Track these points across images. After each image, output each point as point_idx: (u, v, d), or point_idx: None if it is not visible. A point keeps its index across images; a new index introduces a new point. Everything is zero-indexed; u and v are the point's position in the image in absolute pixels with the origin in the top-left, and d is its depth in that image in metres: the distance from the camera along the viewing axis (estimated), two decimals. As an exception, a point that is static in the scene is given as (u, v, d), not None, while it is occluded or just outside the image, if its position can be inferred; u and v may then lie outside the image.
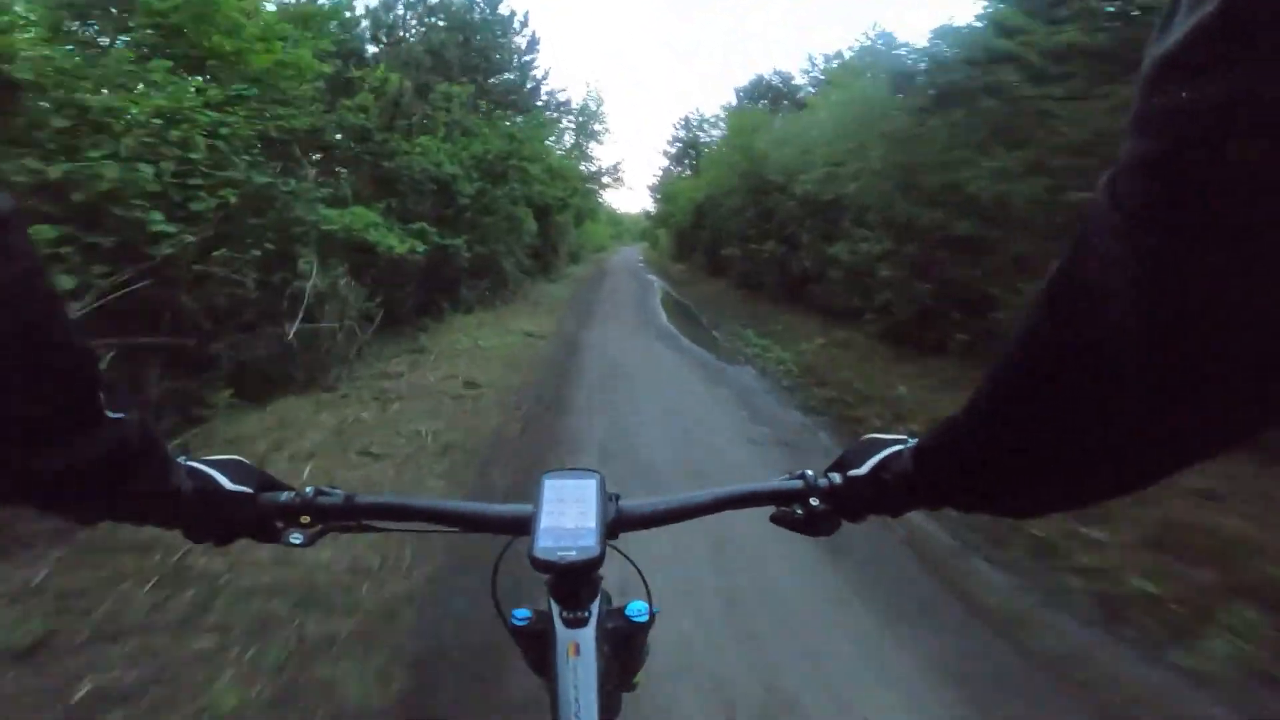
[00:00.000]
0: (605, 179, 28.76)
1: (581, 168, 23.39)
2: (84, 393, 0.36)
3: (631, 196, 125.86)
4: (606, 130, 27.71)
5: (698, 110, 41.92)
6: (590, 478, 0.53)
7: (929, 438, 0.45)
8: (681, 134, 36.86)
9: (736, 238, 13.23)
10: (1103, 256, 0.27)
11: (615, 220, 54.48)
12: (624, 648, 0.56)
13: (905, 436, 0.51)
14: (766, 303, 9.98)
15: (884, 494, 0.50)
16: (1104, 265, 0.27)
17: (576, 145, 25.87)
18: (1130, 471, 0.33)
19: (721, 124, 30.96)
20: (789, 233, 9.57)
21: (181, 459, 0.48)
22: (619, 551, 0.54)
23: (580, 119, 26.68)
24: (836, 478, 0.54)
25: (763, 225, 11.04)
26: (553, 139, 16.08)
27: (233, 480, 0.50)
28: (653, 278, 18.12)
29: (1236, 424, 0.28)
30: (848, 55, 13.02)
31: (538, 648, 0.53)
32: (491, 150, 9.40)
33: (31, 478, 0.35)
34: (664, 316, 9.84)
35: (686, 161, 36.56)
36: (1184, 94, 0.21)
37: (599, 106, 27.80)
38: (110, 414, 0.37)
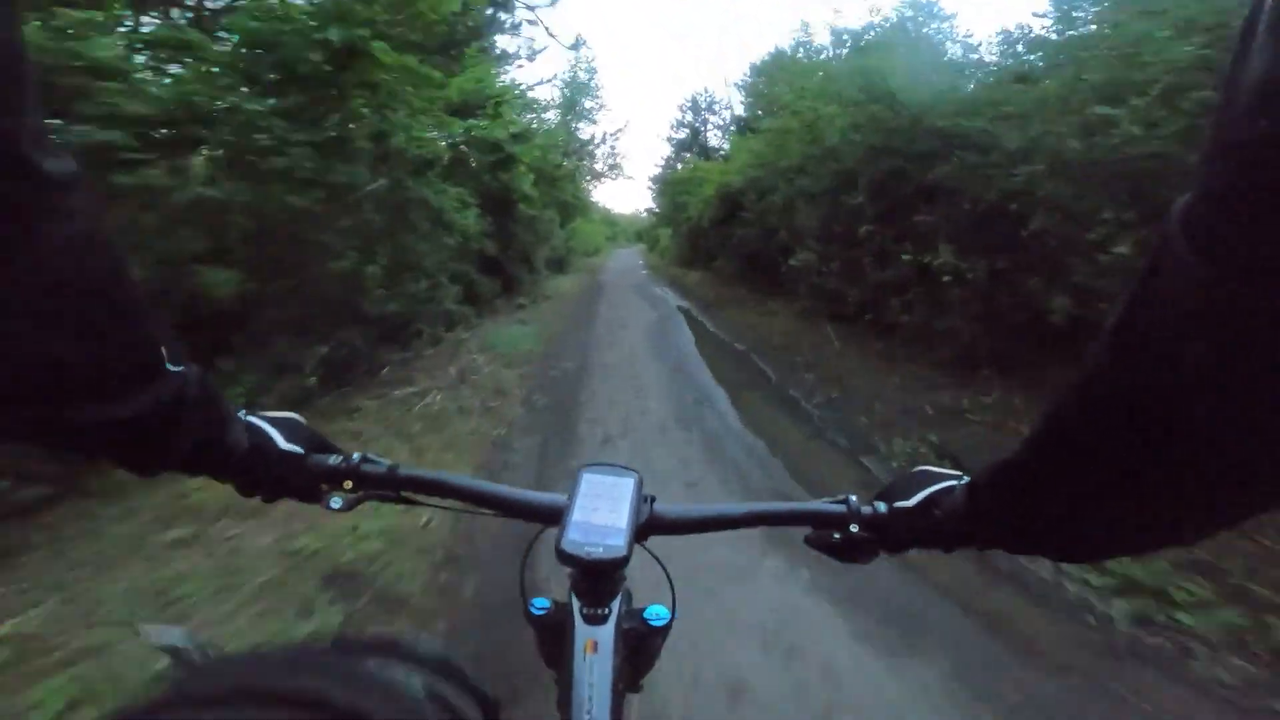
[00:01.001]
0: (600, 166, 23.58)
1: (565, 161, 18.25)
2: (146, 346, 0.37)
3: (631, 189, 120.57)
4: (602, 107, 22.45)
5: (707, 91, 36.66)
6: (628, 476, 0.53)
7: (984, 475, 0.43)
8: (688, 117, 31.79)
9: (814, 236, 8.05)
10: (1174, 293, 0.26)
11: (610, 220, 49.57)
12: (638, 650, 0.54)
13: (959, 473, 0.50)
14: (921, 365, 4.86)
15: (930, 529, 0.49)
16: (1175, 302, 0.26)
17: (564, 126, 20.62)
18: (1195, 519, 0.32)
19: (743, 102, 25.94)
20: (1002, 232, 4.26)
21: (241, 414, 0.49)
22: (649, 552, 0.54)
23: (568, 92, 21.38)
24: (881, 506, 0.52)
25: (891, 214, 5.82)
26: (519, 96, 10.98)
27: (286, 439, 0.50)
28: (666, 293, 13.01)
29: None
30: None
31: (553, 639, 0.52)
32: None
33: (93, 427, 0.35)
34: (725, 401, 4.61)
35: (695, 149, 31.38)
36: (1265, 123, 0.21)
37: (592, 78, 22.45)
38: (171, 367, 0.39)
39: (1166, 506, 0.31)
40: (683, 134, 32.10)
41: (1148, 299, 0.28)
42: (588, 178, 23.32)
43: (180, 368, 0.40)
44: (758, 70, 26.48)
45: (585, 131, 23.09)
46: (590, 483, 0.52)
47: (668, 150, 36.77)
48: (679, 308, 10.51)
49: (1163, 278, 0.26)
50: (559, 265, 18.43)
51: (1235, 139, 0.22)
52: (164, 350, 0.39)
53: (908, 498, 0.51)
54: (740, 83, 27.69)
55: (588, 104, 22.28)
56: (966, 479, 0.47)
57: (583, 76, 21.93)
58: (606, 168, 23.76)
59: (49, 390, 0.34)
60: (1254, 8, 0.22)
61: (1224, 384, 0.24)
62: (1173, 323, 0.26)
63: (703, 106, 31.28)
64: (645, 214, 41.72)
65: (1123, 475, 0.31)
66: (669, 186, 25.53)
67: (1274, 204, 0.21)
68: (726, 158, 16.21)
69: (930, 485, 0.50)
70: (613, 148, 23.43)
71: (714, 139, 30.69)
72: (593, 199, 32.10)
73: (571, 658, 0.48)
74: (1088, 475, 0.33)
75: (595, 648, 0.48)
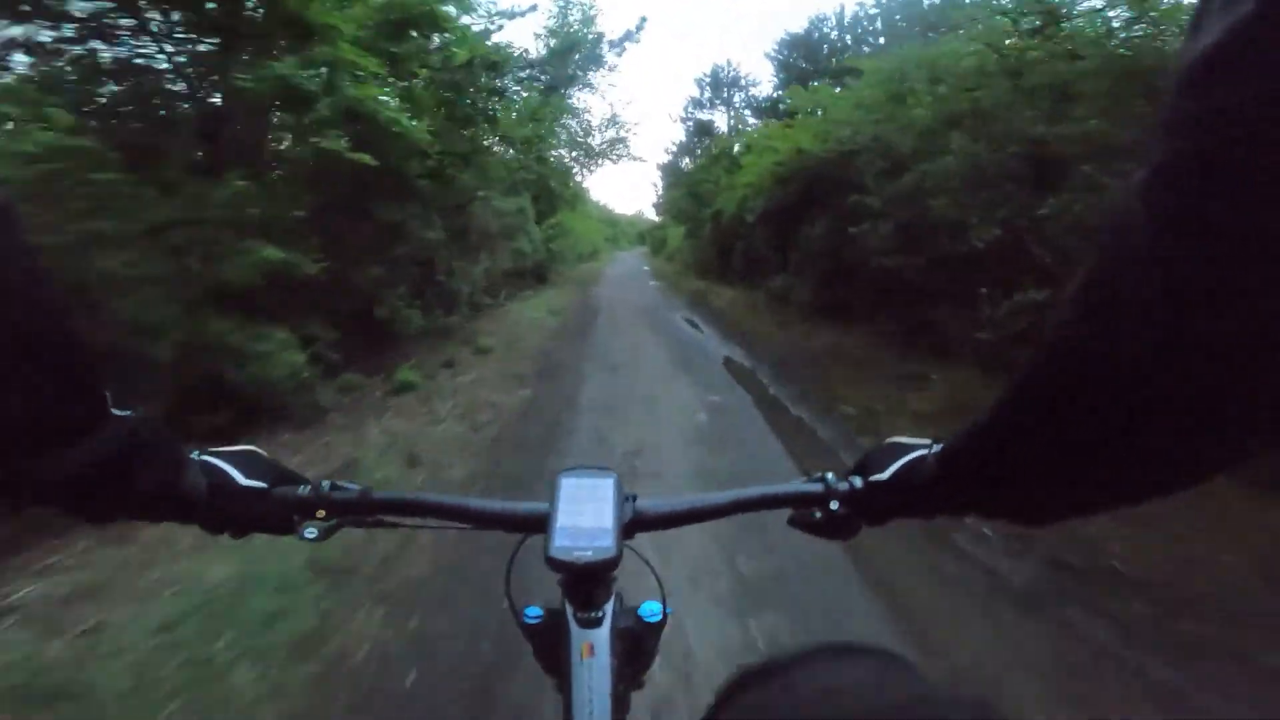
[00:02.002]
0: (599, 143, 18.07)
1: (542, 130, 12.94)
2: (88, 392, 0.36)
3: (631, 187, 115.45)
4: (609, 71, 16.98)
5: (731, 64, 31.25)
6: (607, 477, 0.52)
7: (953, 443, 0.44)
8: (707, 94, 26.48)
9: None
10: (1133, 263, 0.27)
11: (611, 220, 44.27)
12: (636, 648, 0.55)
13: (929, 441, 0.50)
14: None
15: (907, 499, 0.49)
16: (1135, 272, 0.26)
17: (555, 94, 15.10)
18: (1158, 478, 0.33)
19: (775, 77, 20.73)
20: None
21: (195, 454, 0.48)
22: (635, 552, 0.54)
23: (554, 43, 15.83)
24: (858, 481, 0.53)
25: None
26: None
27: (246, 475, 0.49)
28: (704, 336, 7.74)
29: (1267, 434, 0.28)
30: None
31: (549, 646, 0.52)
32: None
33: (39, 479, 0.34)
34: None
35: (707, 139, 26.10)
36: (1220, 95, 0.21)
37: (588, 29, 16.86)
38: (117, 412, 0.37)
39: (1133, 465, 0.32)
40: (693, 123, 26.86)
41: (1111, 266, 0.28)
42: (581, 158, 17.86)
43: (126, 412, 0.38)
44: (784, 46, 21.54)
45: (581, 100, 17.58)
46: (570, 486, 0.51)
47: (679, 137, 31.59)
48: (753, 378, 5.07)
49: (1124, 245, 0.27)
50: (537, 274, 13.20)
51: (1187, 111, 0.23)
52: (108, 395, 0.37)
53: (882, 470, 0.51)
54: (775, 55, 22.44)
55: (589, 72, 16.75)
56: (938, 447, 0.47)
57: (575, 26, 16.39)
58: (608, 146, 18.19)
59: None
60: None
61: (1180, 348, 0.25)
62: (1134, 288, 0.26)
63: (725, 81, 25.92)
64: (654, 205, 36.43)
65: (1089, 437, 0.32)
66: (692, 175, 20.01)
67: (1224, 173, 0.22)
68: (791, 116, 10.73)
69: (903, 456, 0.50)
70: (616, 120, 17.79)
71: (727, 121, 25.40)
72: (590, 193, 26.98)
73: (569, 663, 0.48)
74: (1054, 438, 0.34)
75: (592, 650, 0.48)
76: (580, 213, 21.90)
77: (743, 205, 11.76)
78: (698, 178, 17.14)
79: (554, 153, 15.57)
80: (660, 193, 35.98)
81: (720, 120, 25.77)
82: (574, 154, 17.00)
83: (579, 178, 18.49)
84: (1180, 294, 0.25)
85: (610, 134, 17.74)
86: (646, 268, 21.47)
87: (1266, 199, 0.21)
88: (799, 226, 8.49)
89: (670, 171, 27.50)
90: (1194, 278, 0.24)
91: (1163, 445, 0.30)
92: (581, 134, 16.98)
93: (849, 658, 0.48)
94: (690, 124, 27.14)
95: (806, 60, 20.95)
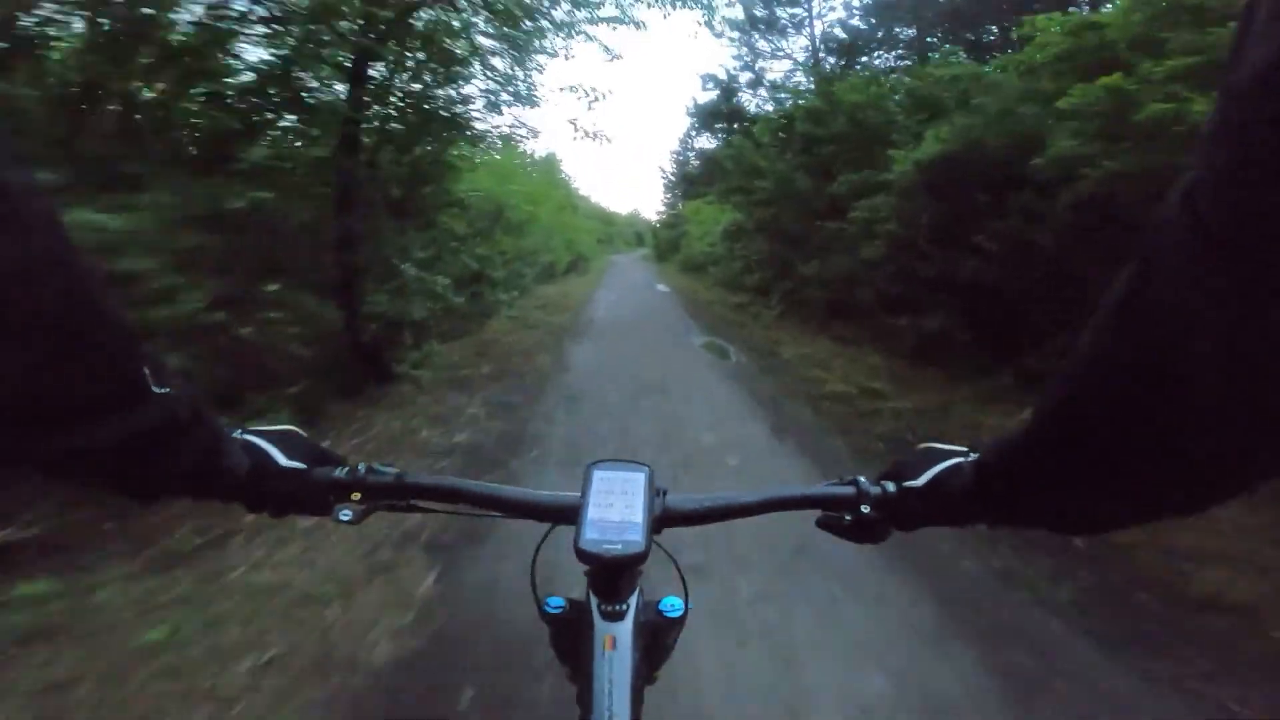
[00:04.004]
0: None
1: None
2: (126, 369, 0.35)
3: (629, 186, 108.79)
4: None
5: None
6: (639, 471, 0.52)
7: (991, 453, 0.44)
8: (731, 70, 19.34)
9: None
10: (1177, 274, 0.26)
11: (607, 219, 38.40)
12: (653, 642, 0.54)
13: (965, 449, 0.50)
14: None
15: (941, 507, 0.49)
16: (1179, 283, 0.26)
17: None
18: (1199, 491, 0.32)
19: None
20: None
21: (236, 432, 0.49)
22: (660, 547, 0.53)
23: None
24: (890, 486, 0.52)
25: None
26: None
27: (286, 455, 0.50)
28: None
29: None
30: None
31: (569, 637, 0.52)
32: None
33: (78, 456, 0.35)
34: None
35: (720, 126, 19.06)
36: (1267, 106, 0.21)
37: None
38: (156, 389, 0.37)
39: (1177, 476, 0.32)
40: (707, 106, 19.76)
41: (1151, 276, 0.28)
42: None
43: (166, 390, 0.37)
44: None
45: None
46: (602, 479, 0.51)
47: (684, 129, 24.58)
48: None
49: (1165, 255, 0.27)
50: (484, 311, 6.66)
51: (1237, 121, 0.23)
52: (147, 372, 0.36)
53: (916, 476, 0.51)
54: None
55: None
56: (974, 456, 0.47)
57: None
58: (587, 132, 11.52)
59: (20, 417, 0.31)
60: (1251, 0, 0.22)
61: (1226, 359, 0.25)
62: (1176, 299, 0.26)
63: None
64: (663, 193, 29.39)
65: (1129, 449, 0.32)
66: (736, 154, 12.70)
67: (1273, 185, 0.21)
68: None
69: (938, 463, 0.50)
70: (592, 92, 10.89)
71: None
72: (577, 187, 20.00)
73: (591, 655, 0.48)
74: (1095, 450, 0.33)
75: (614, 644, 0.48)
76: (564, 206, 14.82)
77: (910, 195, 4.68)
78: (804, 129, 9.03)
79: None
80: (671, 178, 28.92)
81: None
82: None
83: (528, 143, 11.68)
84: (1222, 305, 0.24)
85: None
86: (661, 286, 14.36)
87: None
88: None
89: (703, 113, 20.25)
90: (1242, 287, 0.23)
91: (1206, 455, 0.29)
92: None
93: None
94: (698, 111, 19.86)
95: None
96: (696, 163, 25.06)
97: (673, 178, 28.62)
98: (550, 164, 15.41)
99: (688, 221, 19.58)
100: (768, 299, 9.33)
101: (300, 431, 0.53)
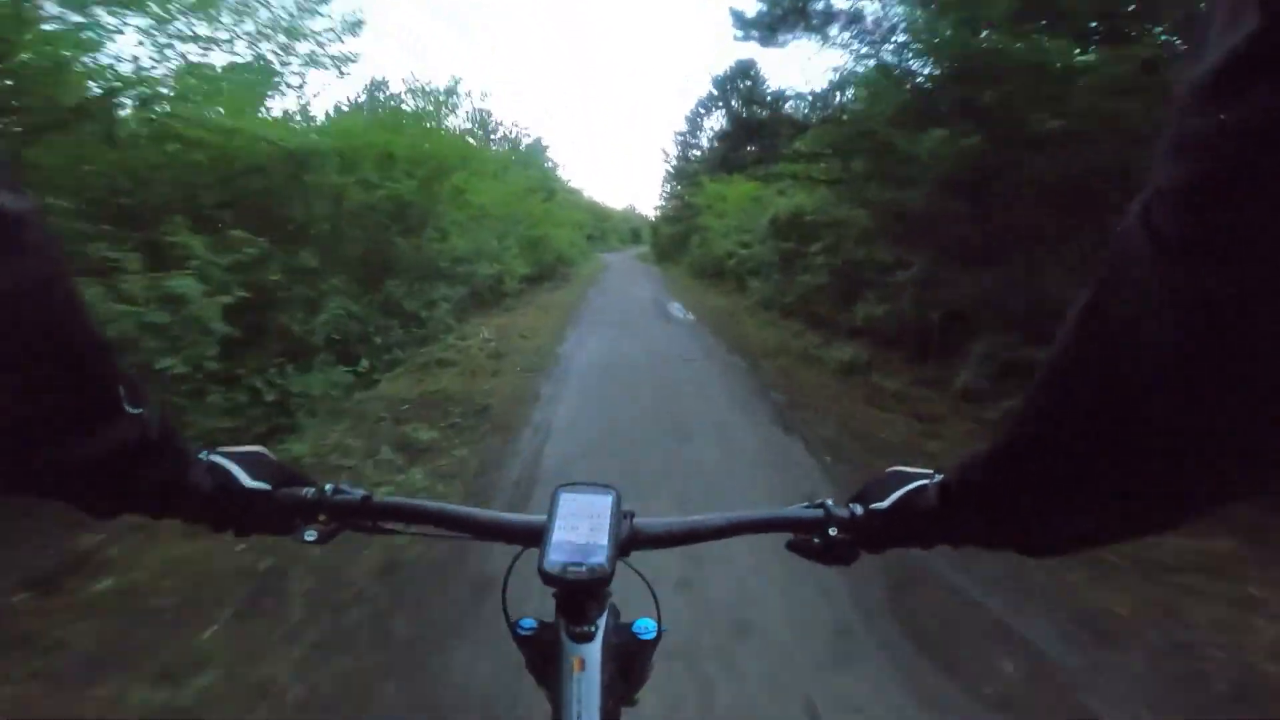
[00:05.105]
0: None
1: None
2: (104, 387, 0.36)
3: (628, 184, 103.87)
4: None
5: None
6: (606, 494, 0.52)
7: (954, 473, 0.44)
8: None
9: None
10: (1135, 288, 0.26)
11: (601, 214, 35.07)
12: (629, 664, 0.53)
13: (930, 471, 0.50)
14: None
15: (906, 528, 0.49)
16: (1137, 297, 0.26)
17: None
18: (1164, 509, 0.32)
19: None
20: None
21: (203, 454, 0.49)
22: (631, 568, 0.53)
23: None
24: (858, 509, 0.53)
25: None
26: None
27: (251, 475, 0.50)
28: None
29: (1277, 463, 0.27)
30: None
31: (542, 658, 0.52)
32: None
33: (48, 470, 0.35)
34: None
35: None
36: (1222, 117, 0.21)
37: None
38: (130, 409, 0.38)
39: (1137, 497, 0.31)
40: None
41: (1111, 290, 0.28)
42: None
43: (139, 409, 0.38)
44: None
45: None
46: (568, 502, 0.51)
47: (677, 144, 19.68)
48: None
49: (1125, 269, 0.27)
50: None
51: (1188, 133, 0.23)
52: (121, 391, 0.37)
53: (882, 499, 0.51)
54: None
55: None
56: (939, 478, 0.47)
57: None
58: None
59: None
60: (1208, 4, 0.22)
61: (1188, 373, 0.25)
62: (1136, 313, 0.26)
63: None
64: (663, 185, 24.65)
65: (1092, 467, 0.31)
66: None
67: (1227, 196, 0.21)
68: None
69: (903, 485, 0.50)
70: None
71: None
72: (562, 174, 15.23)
73: (560, 677, 0.47)
74: (1057, 468, 0.33)
75: (583, 665, 0.48)
76: (519, 187, 9.91)
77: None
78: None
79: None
80: (676, 161, 24.00)
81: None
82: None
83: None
84: (1181, 318, 0.24)
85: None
86: (676, 307, 9.43)
87: (1267, 221, 0.20)
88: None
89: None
90: (1194, 302, 0.23)
91: (1170, 473, 0.29)
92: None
93: None
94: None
95: None
96: (711, 142, 20.16)
97: (677, 161, 23.70)
98: (533, 151, 11.44)
99: (703, 211, 14.63)
100: (919, 360, 4.46)
101: (267, 452, 0.53)
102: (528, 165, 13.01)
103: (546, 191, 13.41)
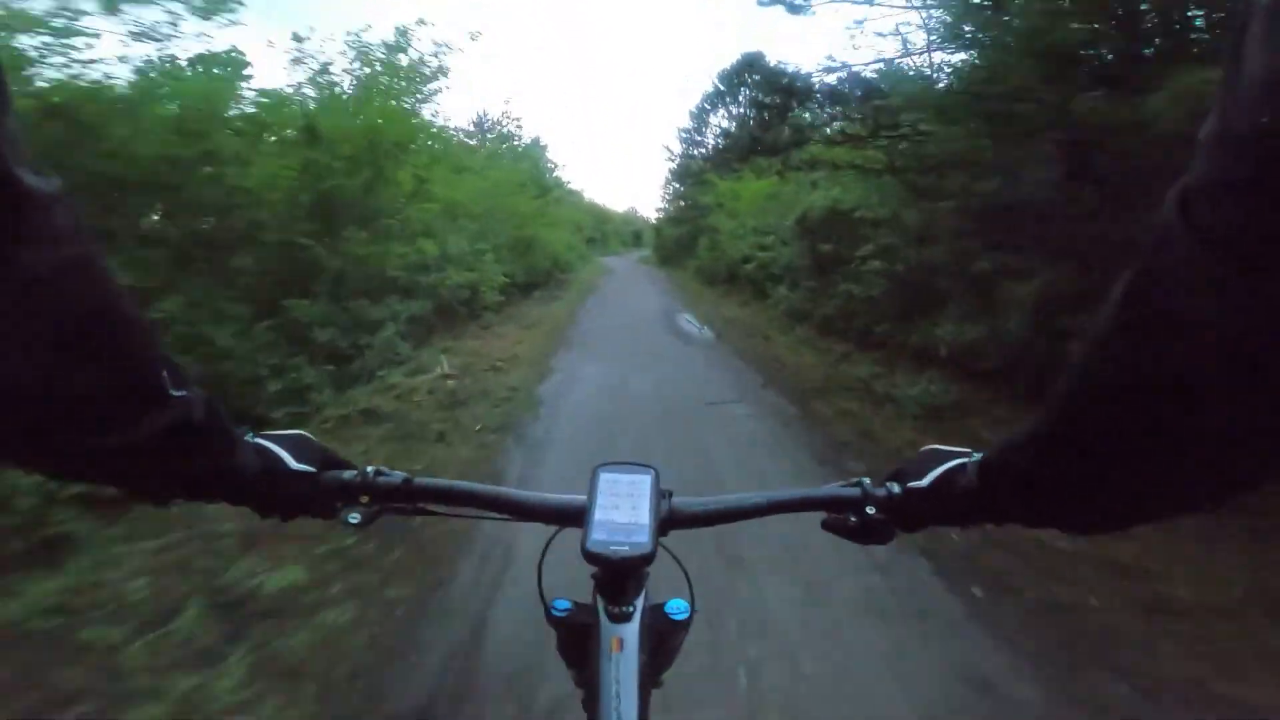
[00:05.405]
0: None
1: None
2: (147, 372, 0.36)
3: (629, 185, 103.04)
4: None
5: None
6: (645, 473, 0.52)
7: (994, 453, 0.44)
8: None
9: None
10: (1176, 275, 0.26)
11: (602, 216, 34.65)
12: (659, 645, 0.54)
13: (969, 450, 0.49)
14: None
15: (945, 507, 0.49)
16: (1178, 284, 0.26)
17: None
18: (1203, 491, 0.33)
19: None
20: None
21: (248, 436, 0.48)
22: (665, 549, 0.52)
23: None
24: (895, 488, 0.52)
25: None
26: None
27: (296, 458, 0.49)
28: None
29: None
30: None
31: (575, 639, 0.52)
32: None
33: (98, 456, 0.35)
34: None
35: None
36: (1267, 116, 0.21)
37: None
38: (174, 392, 0.37)
39: (1178, 476, 0.32)
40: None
41: (1151, 282, 0.28)
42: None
43: (183, 393, 0.38)
44: None
45: None
46: (608, 481, 0.51)
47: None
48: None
49: (1165, 262, 0.27)
50: None
51: (1236, 130, 0.23)
52: (165, 375, 0.37)
53: (920, 478, 0.50)
54: None
55: None
56: (978, 456, 0.47)
57: None
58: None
59: (42, 418, 0.32)
60: (1250, 1, 0.22)
61: (1229, 363, 0.25)
62: (1176, 305, 0.26)
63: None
64: (665, 183, 23.54)
65: (1133, 448, 0.32)
66: None
67: (1266, 195, 0.22)
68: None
69: (942, 464, 0.50)
70: None
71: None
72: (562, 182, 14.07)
73: (598, 657, 0.47)
74: (1099, 453, 0.34)
75: (621, 645, 0.48)
76: (497, 180, 8.63)
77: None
78: None
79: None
80: (680, 158, 22.75)
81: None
82: None
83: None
84: (1222, 306, 0.24)
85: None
86: (687, 320, 8.11)
87: None
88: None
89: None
90: (1240, 296, 0.23)
91: (1210, 456, 0.29)
92: None
93: None
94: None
95: None
96: (718, 139, 18.84)
97: (681, 159, 22.40)
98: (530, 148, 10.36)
99: (712, 211, 13.26)
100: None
101: (310, 436, 0.52)
102: (519, 159, 11.66)
103: (539, 188, 12.05)
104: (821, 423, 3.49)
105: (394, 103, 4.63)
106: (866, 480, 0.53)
